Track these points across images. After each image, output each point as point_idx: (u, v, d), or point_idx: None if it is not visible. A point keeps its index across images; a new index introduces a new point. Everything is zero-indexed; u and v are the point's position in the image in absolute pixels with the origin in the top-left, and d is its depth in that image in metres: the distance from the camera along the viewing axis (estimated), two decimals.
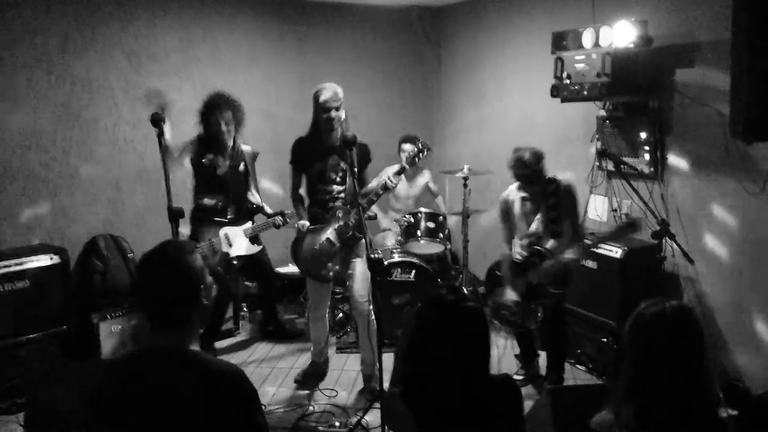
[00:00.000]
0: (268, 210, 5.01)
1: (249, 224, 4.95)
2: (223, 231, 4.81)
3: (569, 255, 4.03)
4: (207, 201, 4.81)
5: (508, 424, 2.20)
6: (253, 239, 4.97)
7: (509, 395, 2.23)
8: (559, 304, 4.32)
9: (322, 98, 4.23)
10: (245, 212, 4.98)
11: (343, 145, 4.06)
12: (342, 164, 4.32)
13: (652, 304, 2.01)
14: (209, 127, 4.75)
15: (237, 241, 4.86)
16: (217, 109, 4.73)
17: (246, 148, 4.98)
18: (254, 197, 5.04)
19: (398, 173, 4.29)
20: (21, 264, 4.48)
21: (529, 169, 4.12)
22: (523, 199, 4.31)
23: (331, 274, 4.36)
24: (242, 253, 4.90)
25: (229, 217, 4.85)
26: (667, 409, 1.89)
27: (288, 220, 4.83)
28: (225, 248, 4.79)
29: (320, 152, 4.34)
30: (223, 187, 4.82)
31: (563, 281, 4.24)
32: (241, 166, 4.91)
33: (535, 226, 4.25)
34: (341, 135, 4.19)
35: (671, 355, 1.91)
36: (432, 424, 2.12)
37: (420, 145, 4.32)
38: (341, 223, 4.31)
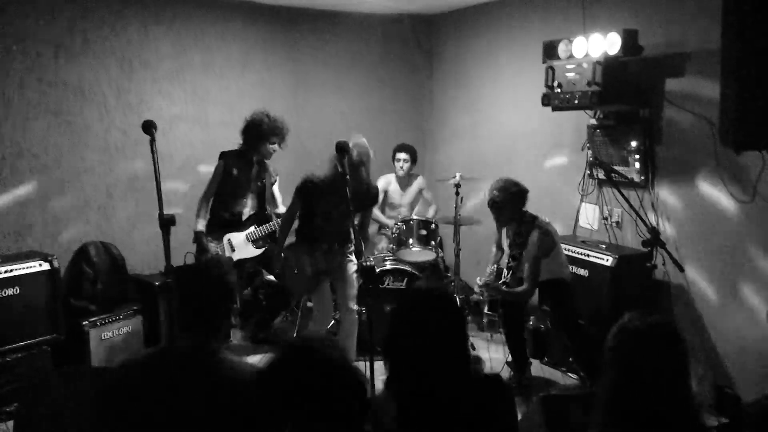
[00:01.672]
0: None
1: (252, 228, 5.08)
2: (227, 237, 4.98)
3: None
4: (226, 214, 5.04)
5: (497, 423, 2.18)
6: (256, 242, 5.09)
7: (496, 393, 2.21)
8: (562, 321, 4.52)
9: (359, 152, 4.30)
10: (256, 218, 5.17)
11: (335, 151, 4.10)
12: (349, 208, 4.14)
13: (634, 319, 1.97)
14: (263, 147, 4.98)
15: (240, 246, 5.02)
16: (280, 136, 5.01)
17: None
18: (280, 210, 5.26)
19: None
20: (11, 270, 4.45)
21: (493, 199, 4.37)
22: (499, 224, 4.59)
23: (311, 270, 4.47)
24: (246, 256, 5.04)
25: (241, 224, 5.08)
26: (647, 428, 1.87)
27: None
28: (228, 253, 4.96)
29: (335, 200, 4.26)
30: (245, 198, 5.10)
31: (556, 302, 4.50)
32: (268, 179, 5.17)
33: (506, 249, 4.53)
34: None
35: (653, 374, 1.89)
36: (414, 418, 2.09)
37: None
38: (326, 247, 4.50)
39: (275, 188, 5.29)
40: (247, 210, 5.14)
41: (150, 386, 2.01)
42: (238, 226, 5.09)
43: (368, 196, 4.44)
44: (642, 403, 1.86)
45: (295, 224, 4.60)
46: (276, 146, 5.05)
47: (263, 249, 5.13)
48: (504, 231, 4.60)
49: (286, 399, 1.72)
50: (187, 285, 2.30)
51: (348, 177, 3.96)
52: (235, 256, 4.99)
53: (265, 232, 5.11)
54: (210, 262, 2.32)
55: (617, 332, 1.97)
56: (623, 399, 1.89)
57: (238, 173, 5.02)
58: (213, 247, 4.88)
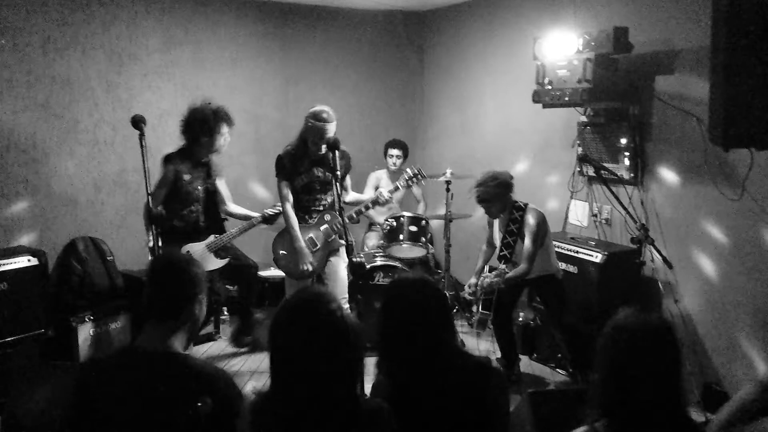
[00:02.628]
0: (243, 212, 4.87)
1: (212, 238, 4.74)
2: (185, 249, 4.51)
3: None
4: (177, 222, 4.62)
5: (487, 405, 2.21)
6: (218, 253, 4.75)
7: (484, 375, 2.25)
8: (555, 318, 4.53)
9: (325, 115, 4.25)
10: (212, 225, 4.81)
11: (327, 148, 4.10)
12: (326, 175, 4.35)
13: (628, 316, 1.97)
14: (211, 139, 4.58)
15: (201, 257, 4.54)
16: (226, 122, 4.63)
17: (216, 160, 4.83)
18: (232, 207, 4.91)
19: (392, 191, 4.53)
20: None
21: (479, 196, 4.37)
22: (491, 216, 4.56)
23: (309, 269, 4.37)
24: (209, 269, 4.57)
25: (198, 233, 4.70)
26: (641, 427, 1.88)
27: (274, 214, 4.71)
28: None
29: (306, 165, 4.39)
30: (198, 203, 4.69)
31: (548, 298, 4.52)
32: (217, 180, 4.81)
33: (498, 243, 4.49)
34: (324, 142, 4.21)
35: (646, 372, 1.89)
36: (406, 400, 2.14)
37: (417, 170, 4.60)
38: (326, 226, 4.42)
39: (222, 184, 4.88)
40: (201, 216, 4.73)
41: (112, 386, 2.04)
42: (196, 235, 4.69)
43: (336, 149, 4.10)
44: (634, 400, 1.87)
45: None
46: (228, 135, 4.67)
47: (227, 260, 4.78)
48: (495, 225, 4.60)
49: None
50: (152, 274, 2.29)
51: (333, 165, 3.98)
52: None
53: (225, 240, 4.75)
54: (182, 254, 2.29)
55: (611, 330, 1.97)
56: (616, 396, 1.90)
57: (190, 177, 4.61)
58: None
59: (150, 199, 3.76)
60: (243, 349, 5.22)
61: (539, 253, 4.34)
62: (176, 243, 4.47)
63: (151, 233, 3.89)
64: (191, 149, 4.64)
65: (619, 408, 1.89)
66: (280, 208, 4.53)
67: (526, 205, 4.41)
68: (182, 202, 4.62)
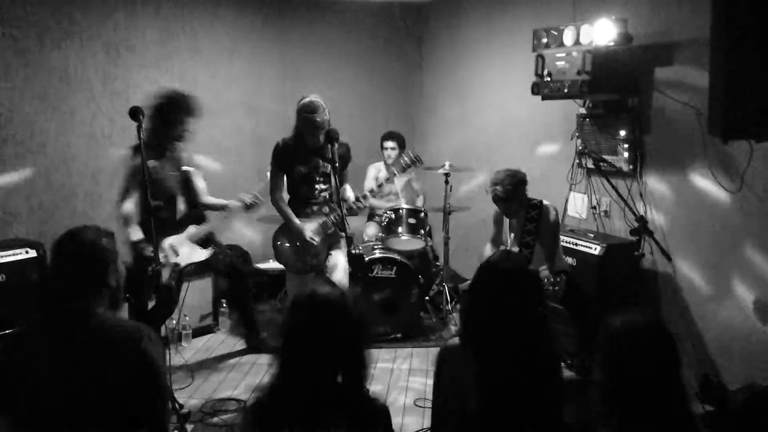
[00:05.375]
0: (219, 202, 4.69)
1: (192, 228, 4.56)
2: (167, 242, 4.35)
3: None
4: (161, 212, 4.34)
5: (557, 394, 2.32)
6: (202, 243, 4.59)
7: (557, 364, 2.42)
8: (575, 312, 4.43)
9: (313, 106, 4.23)
10: (191, 217, 4.64)
11: (326, 140, 4.08)
12: (325, 165, 4.34)
13: (623, 320, 2.01)
14: (173, 128, 4.33)
15: (183, 250, 4.45)
16: (190, 112, 4.36)
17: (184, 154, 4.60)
18: (208, 199, 4.72)
19: (389, 179, 4.59)
20: None
21: (498, 195, 4.21)
22: (507, 216, 4.42)
23: (311, 264, 4.38)
24: (194, 260, 4.51)
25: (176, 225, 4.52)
26: (647, 424, 1.90)
27: (253, 201, 4.60)
28: (173, 259, 4.36)
29: (304, 155, 4.37)
30: (169, 194, 4.47)
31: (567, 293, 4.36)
32: (185, 167, 4.58)
33: (509, 244, 4.40)
34: (324, 133, 4.20)
35: (645, 373, 1.93)
36: (492, 367, 2.22)
37: (413, 155, 4.54)
38: (325, 218, 4.40)
39: (197, 176, 4.67)
40: (181, 207, 4.58)
41: (35, 350, 2.15)
42: (175, 227, 4.48)
43: (335, 141, 4.15)
44: (636, 397, 1.90)
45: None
46: (191, 125, 4.41)
47: (213, 252, 4.62)
48: (506, 223, 4.51)
49: None
50: (58, 250, 2.30)
51: (331, 156, 3.99)
52: (182, 262, 4.40)
53: (205, 230, 4.59)
54: (90, 227, 2.32)
55: (606, 335, 2.01)
56: (618, 393, 1.93)
57: (161, 167, 4.37)
58: (161, 257, 4.18)
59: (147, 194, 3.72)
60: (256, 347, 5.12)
61: None
62: (158, 234, 4.03)
63: (132, 228, 4.01)
64: (158, 138, 4.33)
65: (623, 405, 1.91)
66: (259, 196, 4.57)
67: (540, 202, 4.33)
68: (153, 194, 4.15)
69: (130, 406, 2.12)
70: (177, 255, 4.41)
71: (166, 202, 4.44)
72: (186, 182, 4.59)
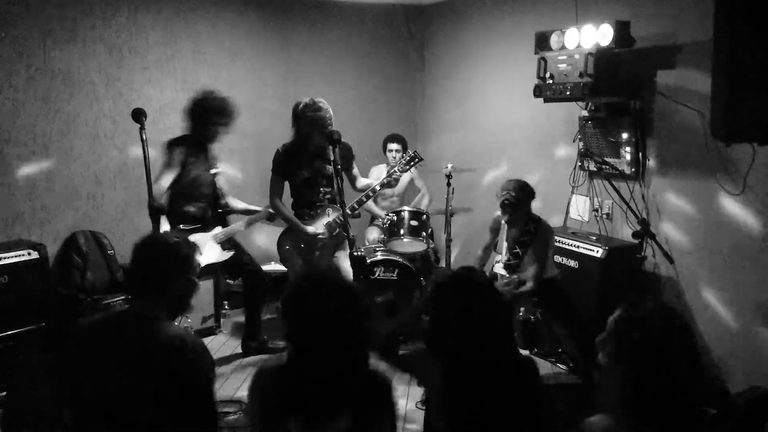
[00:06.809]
0: (244, 206, 4.83)
1: (218, 229, 4.68)
2: (192, 239, 4.44)
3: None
4: (190, 209, 4.56)
5: (535, 400, 2.23)
6: (224, 244, 4.71)
7: (530, 370, 2.27)
8: (561, 317, 4.51)
9: (316, 104, 4.32)
10: (216, 217, 4.75)
11: (328, 142, 4.09)
12: (327, 167, 4.37)
13: (636, 308, 1.95)
14: (205, 129, 4.51)
15: (207, 249, 4.57)
16: (223, 115, 4.53)
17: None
18: (232, 202, 4.85)
19: (389, 181, 4.60)
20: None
21: (509, 200, 4.26)
22: (508, 224, 4.46)
23: (324, 235, 4.46)
24: (213, 261, 4.63)
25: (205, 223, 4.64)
26: (665, 419, 1.86)
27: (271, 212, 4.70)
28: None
29: (306, 159, 4.42)
30: (204, 192, 4.62)
31: (553, 300, 4.44)
32: (214, 170, 4.72)
33: (504, 251, 4.44)
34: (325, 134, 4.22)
35: (664, 361, 1.87)
36: (457, 372, 2.17)
37: (412, 152, 4.66)
38: (330, 219, 4.48)
39: (221, 177, 4.81)
40: (210, 205, 4.69)
41: (92, 349, 2.18)
42: (204, 224, 4.63)
43: (338, 142, 4.14)
44: (658, 393, 1.85)
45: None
46: (223, 128, 4.59)
47: (232, 253, 4.75)
48: (504, 233, 4.52)
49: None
50: (137, 251, 2.35)
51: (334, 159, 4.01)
52: (203, 261, 4.39)
53: (230, 232, 4.73)
54: (169, 234, 2.45)
55: (625, 324, 1.94)
56: (633, 386, 1.88)
57: (196, 161, 4.54)
58: None
59: (152, 191, 3.73)
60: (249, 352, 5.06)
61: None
62: (184, 233, 4.17)
63: (158, 225, 3.87)
64: (197, 136, 4.55)
65: (636, 397, 1.87)
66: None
67: (539, 218, 4.40)
68: (191, 186, 4.52)
69: (176, 417, 2.10)
70: (200, 254, 4.40)
71: (197, 200, 4.57)
72: (214, 183, 4.70)
